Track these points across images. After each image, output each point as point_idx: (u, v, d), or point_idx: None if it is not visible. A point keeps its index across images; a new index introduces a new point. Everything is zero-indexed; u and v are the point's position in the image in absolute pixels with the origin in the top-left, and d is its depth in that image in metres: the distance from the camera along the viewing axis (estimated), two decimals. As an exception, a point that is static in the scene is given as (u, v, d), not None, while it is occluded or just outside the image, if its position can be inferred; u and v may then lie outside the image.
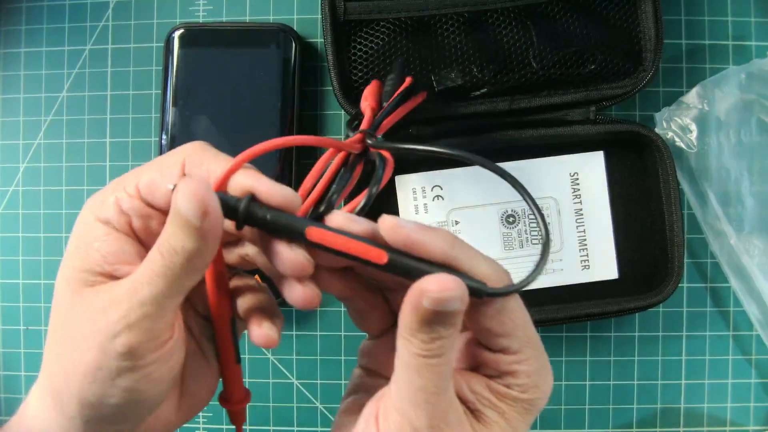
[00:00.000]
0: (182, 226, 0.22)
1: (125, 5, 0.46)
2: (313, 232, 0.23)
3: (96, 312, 0.23)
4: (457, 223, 0.42)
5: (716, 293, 0.45)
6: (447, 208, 0.43)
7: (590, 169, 0.42)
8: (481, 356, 0.25)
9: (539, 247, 0.42)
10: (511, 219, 0.42)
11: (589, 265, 0.42)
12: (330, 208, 0.25)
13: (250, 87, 0.43)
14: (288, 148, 0.43)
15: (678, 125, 0.43)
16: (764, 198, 0.42)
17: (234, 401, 0.28)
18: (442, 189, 0.42)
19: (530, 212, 0.42)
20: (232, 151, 0.43)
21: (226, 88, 0.43)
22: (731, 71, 0.42)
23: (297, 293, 0.24)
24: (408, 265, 0.23)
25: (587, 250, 0.42)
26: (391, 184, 0.42)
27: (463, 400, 0.24)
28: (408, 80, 0.37)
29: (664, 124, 0.43)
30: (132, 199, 0.24)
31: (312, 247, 0.23)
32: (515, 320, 0.24)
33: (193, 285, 0.24)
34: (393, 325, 0.27)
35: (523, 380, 0.24)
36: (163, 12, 0.46)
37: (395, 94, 0.35)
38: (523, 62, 0.40)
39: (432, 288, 0.21)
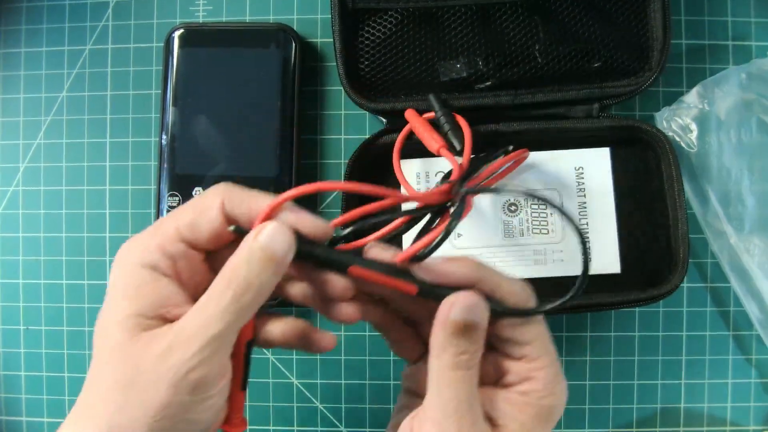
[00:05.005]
0: (266, 262, 0.25)
1: (125, 5, 0.46)
2: (356, 269, 0.27)
3: (163, 352, 0.24)
4: None
5: (716, 293, 0.45)
6: None
7: (595, 164, 0.42)
8: (503, 365, 0.28)
9: (540, 237, 0.42)
10: (513, 207, 0.42)
11: (590, 257, 0.42)
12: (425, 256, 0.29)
13: (250, 87, 0.43)
14: (288, 139, 0.43)
15: (678, 125, 0.43)
16: (765, 197, 0.42)
17: (233, 424, 0.29)
18: (444, 174, 0.42)
19: (533, 201, 0.42)
20: (232, 152, 0.43)
21: (226, 88, 0.43)
22: (731, 71, 0.42)
23: (345, 311, 0.28)
24: (437, 291, 0.27)
25: (589, 242, 0.42)
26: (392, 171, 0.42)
27: (487, 417, 0.27)
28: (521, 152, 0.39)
29: (665, 124, 0.43)
30: (175, 242, 0.26)
31: (355, 278, 0.27)
32: (533, 331, 0.27)
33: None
34: (425, 352, 0.30)
35: (541, 386, 0.27)
36: (163, 12, 0.46)
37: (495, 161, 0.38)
38: (528, 56, 0.40)
39: (459, 300, 0.26)
